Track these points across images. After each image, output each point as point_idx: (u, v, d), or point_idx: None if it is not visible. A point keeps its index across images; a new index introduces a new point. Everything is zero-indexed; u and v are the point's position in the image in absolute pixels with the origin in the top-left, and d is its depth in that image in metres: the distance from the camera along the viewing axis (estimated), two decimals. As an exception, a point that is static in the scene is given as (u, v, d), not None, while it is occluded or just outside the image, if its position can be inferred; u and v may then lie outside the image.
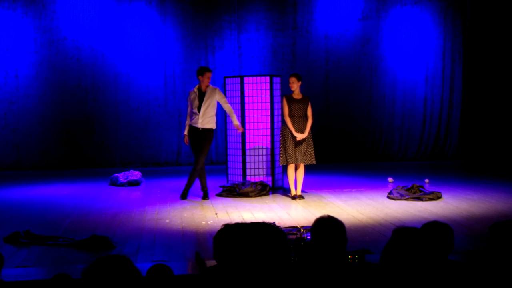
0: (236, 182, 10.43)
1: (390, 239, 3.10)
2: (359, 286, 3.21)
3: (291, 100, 9.73)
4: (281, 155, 9.79)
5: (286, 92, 10.11)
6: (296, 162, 9.70)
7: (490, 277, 3.58)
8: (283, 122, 9.85)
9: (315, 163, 9.88)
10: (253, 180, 10.46)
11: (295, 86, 9.72)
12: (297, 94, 9.76)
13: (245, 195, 9.91)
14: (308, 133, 9.73)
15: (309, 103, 9.81)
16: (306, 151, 9.72)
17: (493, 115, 12.53)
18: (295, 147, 9.66)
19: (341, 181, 11.25)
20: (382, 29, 14.58)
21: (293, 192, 9.78)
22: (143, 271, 3.38)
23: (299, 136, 9.62)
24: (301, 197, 9.75)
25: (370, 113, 14.67)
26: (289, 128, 9.65)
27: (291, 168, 9.76)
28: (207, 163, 14.41)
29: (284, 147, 9.71)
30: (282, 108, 9.89)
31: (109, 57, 14.12)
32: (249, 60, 14.40)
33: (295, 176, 9.81)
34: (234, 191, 10.08)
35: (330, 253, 3.39)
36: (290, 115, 9.69)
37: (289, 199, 9.78)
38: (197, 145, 9.78)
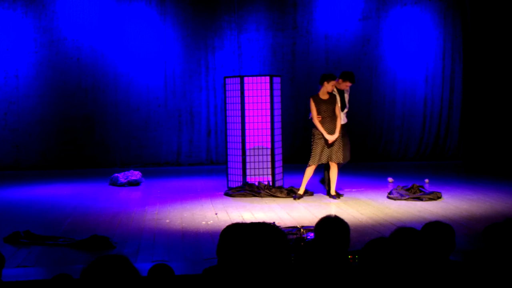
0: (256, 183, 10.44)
1: (389, 238, 3.10)
2: (359, 286, 3.21)
3: (318, 101, 9.65)
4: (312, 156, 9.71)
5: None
6: (329, 161, 9.63)
7: (489, 277, 3.58)
8: (313, 124, 9.70)
9: (341, 162, 9.79)
10: (253, 180, 10.50)
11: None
12: (324, 94, 9.71)
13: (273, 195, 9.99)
14: (339, 132, 9.69)
15: (337, 102, 9.78)
16: (338, 150, 9.69)
17: (493, 115, 12.53)
18: (328, 147, 9.62)
19: (341, 181, 11.23)
20: (382, 29, 14.58)
21: (302, 190, 9.77)
22: (143, 271, 3.37)
23: (331, 138, 9.58)
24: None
25: (370, 113, 14.66)
26: (319, 130, 9.60)
27: (311, 169, 9.72)
28: (208, 163, 14.45)
29: (314, 148, 9.66)
30: (310, 110, 9.75)
31: (109, 57, 14.12)
32: (249, 60, 14.39)
33: (329, 176, 9.81)
34: (256, 190, 10.09)
35: (332, 252, 3.39)
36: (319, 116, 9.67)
37: (289, 199, 9.77)
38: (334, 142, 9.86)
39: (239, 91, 10.70)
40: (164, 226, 7.92)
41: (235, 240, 3.22)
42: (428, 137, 14.74)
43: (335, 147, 9.65)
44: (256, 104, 10.71)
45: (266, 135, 10.77)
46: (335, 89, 9.93)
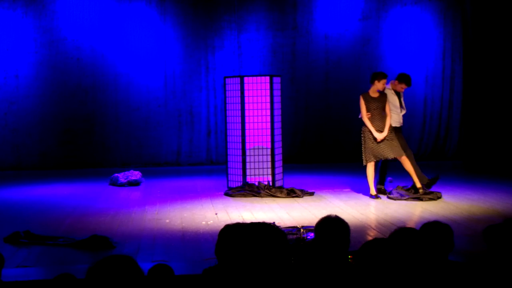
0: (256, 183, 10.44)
1: (385, 239, 3.10)
2: (358, 286, 3.21)
3: (368, 99, 9.65)
4: (363, 155, 9.68)
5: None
6: (383, 157, 9.61)
7: (488, 277, 3.58)
8: (363, 122, 9.69)
9: (403, 155, 9.67)
10: (253, 180, 10.51)
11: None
12: (374, 92, 9.69)
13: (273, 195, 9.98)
14: (388, 129, 9.65)
15: (387, 100, 9.75)
16: (392, 146, 9.62)
17: (493, 115, 12.53)
18: (379, 144, 9.60)
19: (341, 181, 11.24)
20: (382, 29, 14.58)
21: (372, 190, 9.71)
22: (143, 271, 3.37)
23: (379, 137, 9.55)
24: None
25: (370, 113, 14.65)
26: (369, 128, 9.59)
27: (370, 167, 9.68)
28: (208, 163, 14.45)
29: (365, 146, 9.66)
30: (360, 108, 9.73)
31: (109, 57, 14.12)
32: (249, 60, 14.40)
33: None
34: (256, 190, 10.09)
35: (332, 252, 3.39)
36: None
37: (289, 199, 9.77)
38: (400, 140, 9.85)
39: (239, 91, 10.70)
40: (164, 226, 7.92)
41: (233, 240, 3.22)
42: (428, 137, 14.74)
43: (388, 144, 9.55)
44: (256, 104, 10.71)
45: (266, 135, 10.78)
46: (393, 91, 9.94)
